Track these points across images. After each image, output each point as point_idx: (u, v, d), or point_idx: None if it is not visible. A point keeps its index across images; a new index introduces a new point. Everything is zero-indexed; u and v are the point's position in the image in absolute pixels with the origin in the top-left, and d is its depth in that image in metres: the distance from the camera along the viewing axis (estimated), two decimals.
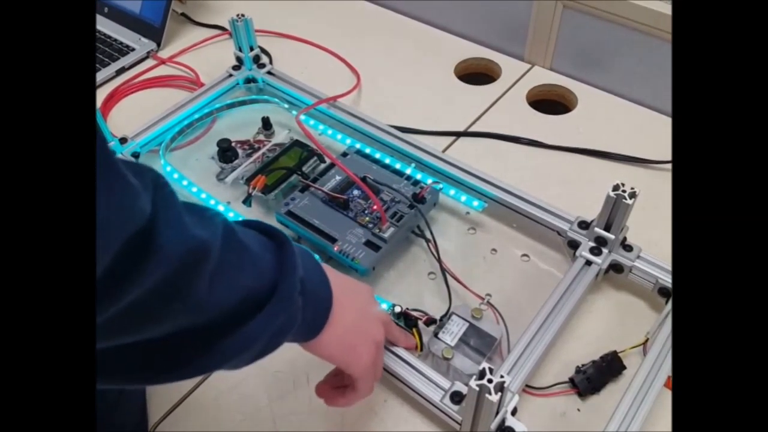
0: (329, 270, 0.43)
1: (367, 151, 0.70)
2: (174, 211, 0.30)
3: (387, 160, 0.68)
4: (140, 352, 0.32)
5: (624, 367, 0.53)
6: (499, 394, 0.41)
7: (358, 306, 0.45)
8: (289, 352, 0.56)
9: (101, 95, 0.84)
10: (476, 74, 0.89)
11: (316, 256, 0.43)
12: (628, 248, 0.58)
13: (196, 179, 0.70)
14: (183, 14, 0.97)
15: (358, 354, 0.44)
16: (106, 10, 0.98)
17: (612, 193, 0.54)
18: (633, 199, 0.53)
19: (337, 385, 0.48)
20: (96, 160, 0.23)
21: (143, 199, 0.28)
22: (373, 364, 0.45)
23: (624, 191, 0.54)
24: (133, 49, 0.91)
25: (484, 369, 0.41)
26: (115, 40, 0.93)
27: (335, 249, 0.59)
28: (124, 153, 0.71)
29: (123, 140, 0.71)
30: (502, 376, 0.41)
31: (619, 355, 0.53)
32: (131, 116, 0.81)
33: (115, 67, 0.88)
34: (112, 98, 0.84)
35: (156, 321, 0.31)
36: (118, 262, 0.26)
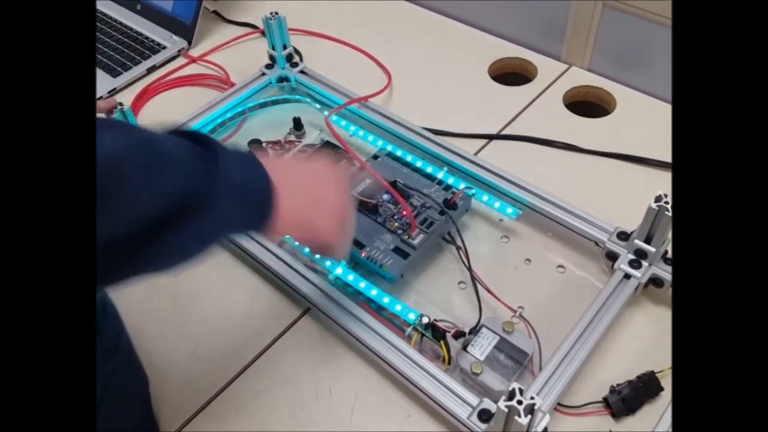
0: (271, 159, 0.45)
1: (398, 153, 0.68)
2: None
3: (418, 164, 0.66)
4: None
5: (661, 389, 0.50)
6: (529, 416, 0.39)
7: (308, 186, 0.47)
8: (312, 361, 0.55)
9: (132, 93, 0.84)
10: (511, 74, 0.86)
11: None
12: (669, 262, 0.55)
13: None
14: (215, 12, 0.97)
15: (318, 228, 0.47)
16: (138, 7, 0.98)
17: (654, 205, 0.51)
18: None
19: None
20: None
21: None
22: (339, 232, 0.48)
23: (667, 203, 0.51)
24: (165, 47, 0.91)
25: (513, 390, 0.40)
26: (147, 37, 0.93)
27: (363, 255, 0.58)
28: None
29: None
30: (532, 398, 0.39)
31: (657, 375, 0.51)
32: (162, 114, 0.81)
33: (146, 65, 0.88)
34: (143, 96, 0.84)
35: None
36: None
